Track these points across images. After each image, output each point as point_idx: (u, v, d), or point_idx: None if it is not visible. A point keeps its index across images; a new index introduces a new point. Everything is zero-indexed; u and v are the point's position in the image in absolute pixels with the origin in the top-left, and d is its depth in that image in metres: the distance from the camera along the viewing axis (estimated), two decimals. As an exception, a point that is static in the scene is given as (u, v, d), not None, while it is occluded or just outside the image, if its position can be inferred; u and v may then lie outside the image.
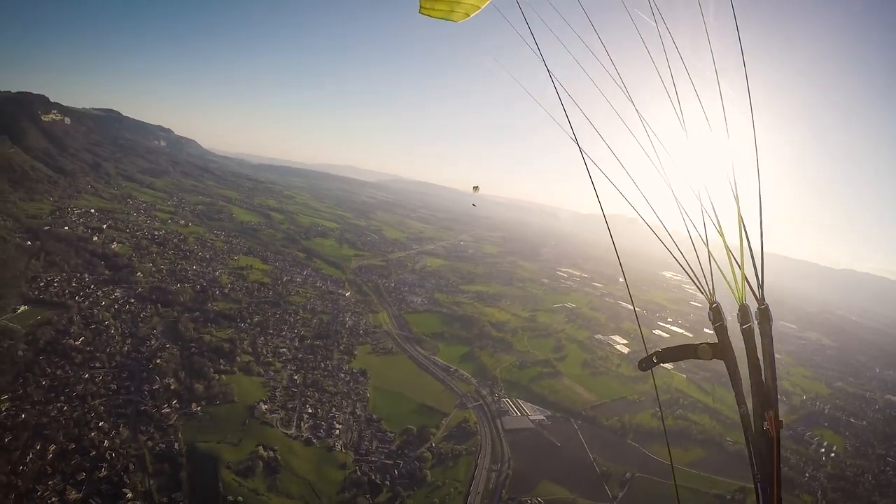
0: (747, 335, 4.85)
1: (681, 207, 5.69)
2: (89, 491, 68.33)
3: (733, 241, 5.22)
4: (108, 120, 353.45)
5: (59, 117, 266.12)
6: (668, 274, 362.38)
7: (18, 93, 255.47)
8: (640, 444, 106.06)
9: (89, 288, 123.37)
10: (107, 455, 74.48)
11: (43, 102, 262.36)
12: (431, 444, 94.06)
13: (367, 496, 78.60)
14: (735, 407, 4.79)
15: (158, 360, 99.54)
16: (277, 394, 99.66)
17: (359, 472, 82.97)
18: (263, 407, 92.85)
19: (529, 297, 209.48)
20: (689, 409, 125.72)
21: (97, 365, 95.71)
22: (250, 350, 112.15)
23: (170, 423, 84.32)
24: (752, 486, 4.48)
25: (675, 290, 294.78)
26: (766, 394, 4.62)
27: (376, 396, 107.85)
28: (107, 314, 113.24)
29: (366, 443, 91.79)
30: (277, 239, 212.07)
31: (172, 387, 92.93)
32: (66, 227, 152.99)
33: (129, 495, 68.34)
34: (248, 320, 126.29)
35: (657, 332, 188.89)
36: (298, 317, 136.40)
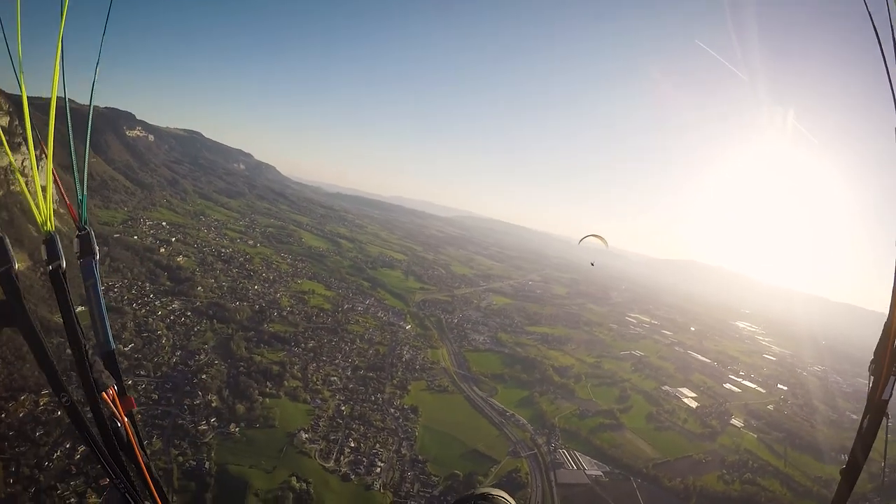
0: (55, 279, 3.61)
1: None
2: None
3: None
4: (191, 140, 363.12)
5: (142, 134, 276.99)
6: (741, 324, 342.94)
7: (106, 108, 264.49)
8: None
9: (148, 297, 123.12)
10: (134, 465, 71.60)
11: (129, 119, 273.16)
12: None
13: (401, 542, 72.36)
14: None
15: (204, 376, 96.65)
16: (321, 423, 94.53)
17: (395, 516, 76.99)
18: (304, 436, 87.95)
19: (596, 341, 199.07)
20: (759, 472, 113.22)
21: (142, 373, 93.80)
22: (300, 375, 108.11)
23: (205, 440, 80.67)
24: None
25: (748, 342, 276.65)
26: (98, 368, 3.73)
27: (425, 436, 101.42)
28: (161, 324, 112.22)
29: (407, 484, 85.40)
30: (344, 266, 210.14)
31: (214, 404, 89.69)
32: (136, 237, 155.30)
33: (149, 509, 64.69)
34: (303, 345, 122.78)
35: (728, 385, 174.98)
36: (354, 346, 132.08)
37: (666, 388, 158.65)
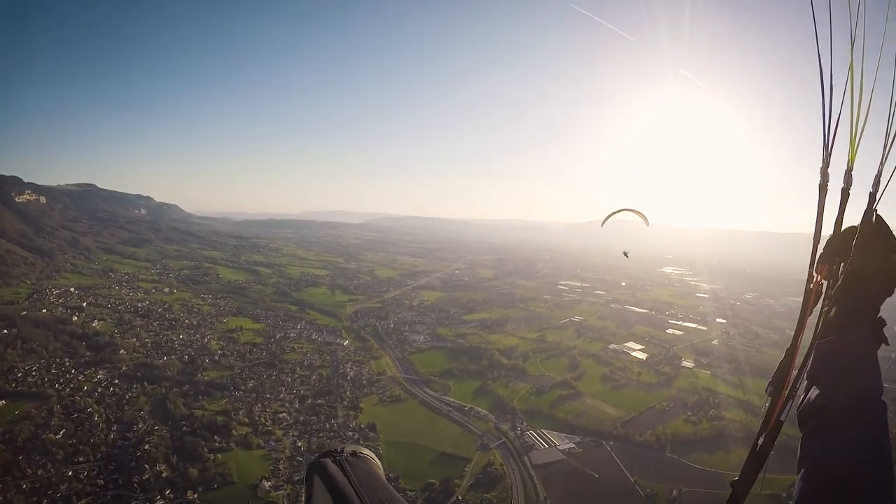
0: None
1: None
2: None
3: None
4: (85, 194, 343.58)
5: (33, 197, 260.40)
6: (668, 269, 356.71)
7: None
8: (681, 456, 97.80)
9: (70, 373, 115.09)
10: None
11: (16, 183, 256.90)
12: (458, 498, 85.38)
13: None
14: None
15: (147, 446, 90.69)
16: (281, 466, 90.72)
17: (380, 544, 74.52)
18: (266, 484, 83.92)
19: (534, 316, 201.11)
20: (721, 406, 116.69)
21: (81, 459, 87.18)
22: (247, 420, 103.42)
23: (163, 517, 76.05)
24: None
25: (678, 285, 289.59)
26: None
27: (390, 451, 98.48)
28: (89, 400, 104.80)
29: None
30: (267, 294, 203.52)
31: (164, 475, 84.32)
32: (45, 310, 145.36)
33: None
34: (243, 387, 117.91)
35: (670, 331, 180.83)
36: (296, 375, 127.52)
37: (612, 346, 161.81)
